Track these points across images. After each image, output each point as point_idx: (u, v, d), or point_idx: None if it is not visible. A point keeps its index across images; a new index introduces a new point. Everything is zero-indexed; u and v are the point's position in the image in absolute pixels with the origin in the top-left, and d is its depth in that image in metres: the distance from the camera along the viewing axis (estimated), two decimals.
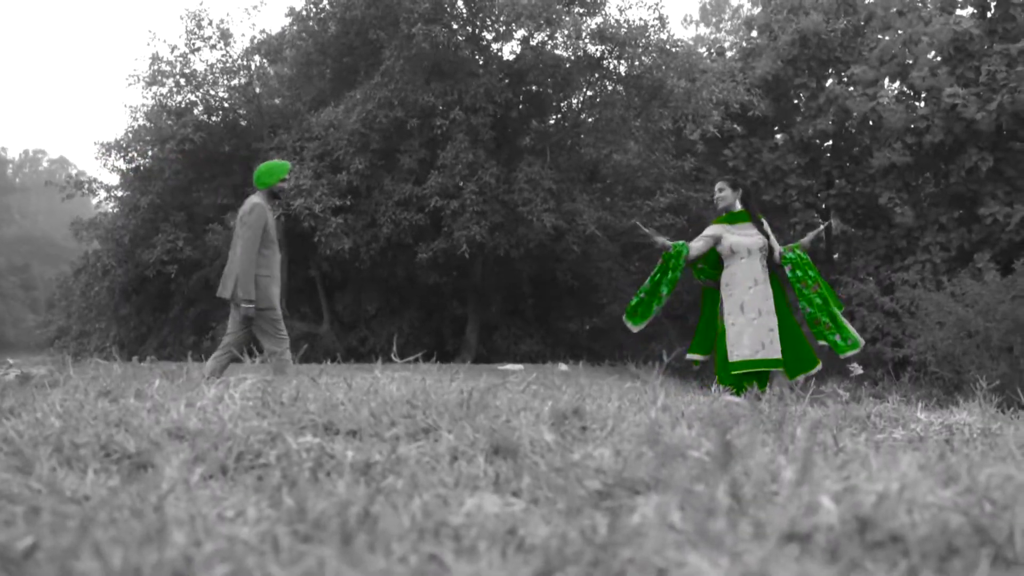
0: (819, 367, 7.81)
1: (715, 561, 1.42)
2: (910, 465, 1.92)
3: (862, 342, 7.93)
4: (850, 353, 7.82)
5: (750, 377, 7.47)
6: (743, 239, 7.82)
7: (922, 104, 26.45)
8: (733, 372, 7.56)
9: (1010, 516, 1.60)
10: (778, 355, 7.61)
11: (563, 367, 17.15)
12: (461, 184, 22.79)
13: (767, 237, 7.88)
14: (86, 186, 28.63)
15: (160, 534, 1.47)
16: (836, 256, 30.30)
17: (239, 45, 27.70)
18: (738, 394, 5.61)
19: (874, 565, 1.49)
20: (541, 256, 25.46)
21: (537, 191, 22.84)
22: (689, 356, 8.01)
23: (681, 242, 8.00)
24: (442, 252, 23.26)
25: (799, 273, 7.88)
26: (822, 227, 8.16)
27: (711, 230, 7.98)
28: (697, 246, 7.90)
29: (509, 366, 17.55)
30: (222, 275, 7.95)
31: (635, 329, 7.94)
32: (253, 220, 7.67)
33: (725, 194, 7.95)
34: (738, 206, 7.95)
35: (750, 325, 7.61)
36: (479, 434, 2.49)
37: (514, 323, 27.48)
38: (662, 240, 7.98)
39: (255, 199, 7.82)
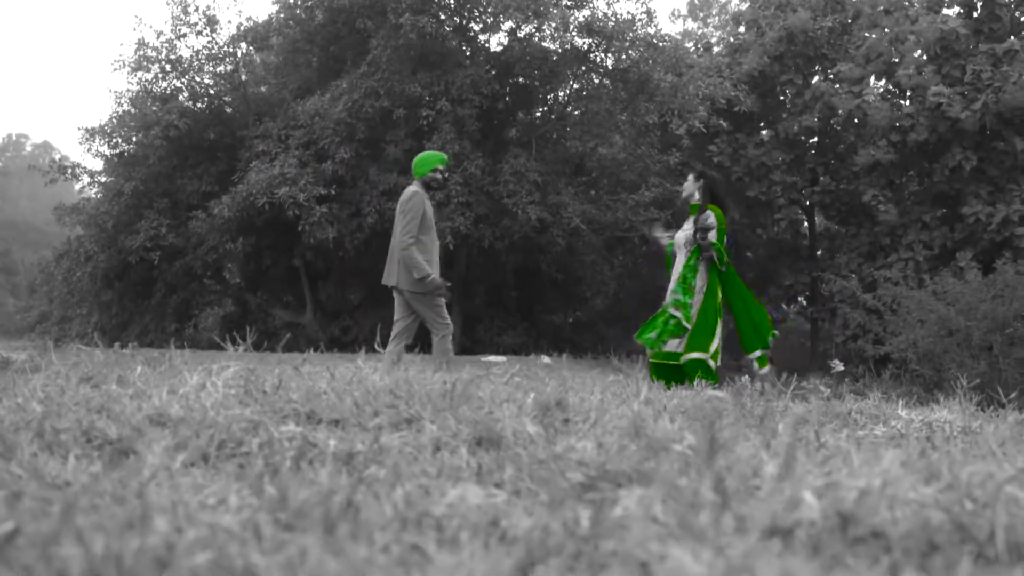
0: (773, 338, 7.85)
1: (697, 554, 1.42)
2: (892, 462, 1.93)
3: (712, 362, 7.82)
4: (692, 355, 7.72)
5: (665, 371, 7.54)
6: (680, 234, 7.91)
7: (907, 102, 26.53)
8: (651, 362, 7.68)
9: (991, 514, 1.60)
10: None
11: (546, 359, 17.17)
12: (446, 175, 22.76)
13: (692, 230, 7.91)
14: (69, 171, 28.45)
15: (142, 521, 1.47)
16: (819, 253, 30.40)
17: (225, 32, 27.54)
18: (668, 387, 5.63)
19: (855, 561, 1.49)
20: (525, 248, 25.43)
21: (522, 183, 22.82)
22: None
23: (671, 242, 8.09)
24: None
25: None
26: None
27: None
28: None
29: (492, 358, 17.53)
30: (386, 263, 8.21)
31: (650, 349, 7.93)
32: (412, 207, 7.88)
33: (686, 184, 8.04)
34: (696, 198, 7.99)
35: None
36: (462, 425, 2.49)
37: (498, 315, 27.45)
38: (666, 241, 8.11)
39: (413, 187, 8.06)
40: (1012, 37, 25.19)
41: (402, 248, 7.85)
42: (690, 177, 8.07)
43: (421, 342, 9.36)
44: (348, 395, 2.82)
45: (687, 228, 7.95)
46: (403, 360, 7.58)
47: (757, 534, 1.53)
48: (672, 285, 7.95)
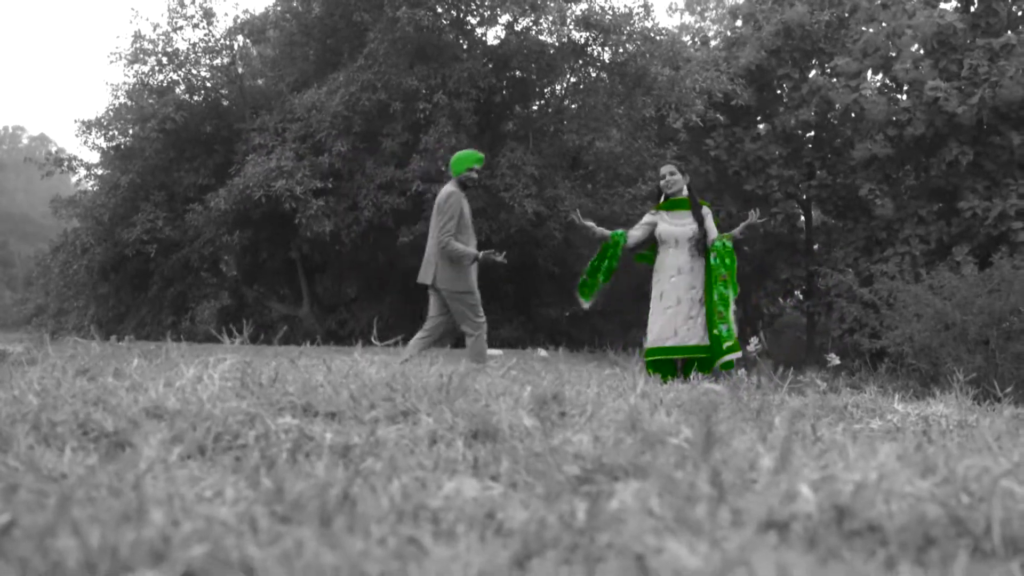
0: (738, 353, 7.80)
1: (694, 547, 1.42)
2: (888, 455, 1.93)
3: (740, 352, 7.87)
4: (731, 356, 7.72)
5: (661, 365, 7.56)
6: (673, 228, 7.88)
7: (904, 97, 26.55)
8: (647, 358, 7.67)
9: (987, 508, 1.61)
10: (698, 340, 7.64)
11: (543, 353, 17.15)
12: (443, 168, 22.74)
13: (700, 224, 7.89)
14: (66, 164, 28.43)
15: (138, 513, 1.47)
16: (816, 247, 30.42)
17: (222, 24, 27.69)
18: (665, 381, 5.64)
19: (852, 554, 1.49)
20: (522, 242, 25.41)
21: (519, 177, 22.82)
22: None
23: (620, 231, 8.08)
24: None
25: (717, 261, 7.86)
26: (755, 218, 8.08)
27: (648, 217, 8.06)
28: (635, 235, 8.03)
29: (489, 351, 17.52)
30: (423, 262, 8.32)
31: (585, 304, 8.11)
32: (450, 207, 7.96)
33: (677, 178, 7.99)
34: (684, 192, 7.99)
35: (663, 314, 7.72)
36: (458, 418, 2.49)
37: (494, 308, 27.39)
38: (601, 231, 8.09)
39: (450, 187, 8.12)
40: (1009, 31, 25.20)
41: (441, 246, 7.94)
42: (677, 172, 8.04)
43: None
44: (344, 388, 2.82)
45: (683, 223, 7.91)
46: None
47: (753, 527, 1.53)
48: (697, 285, 7.91)
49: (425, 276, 8.21)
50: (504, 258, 8.07)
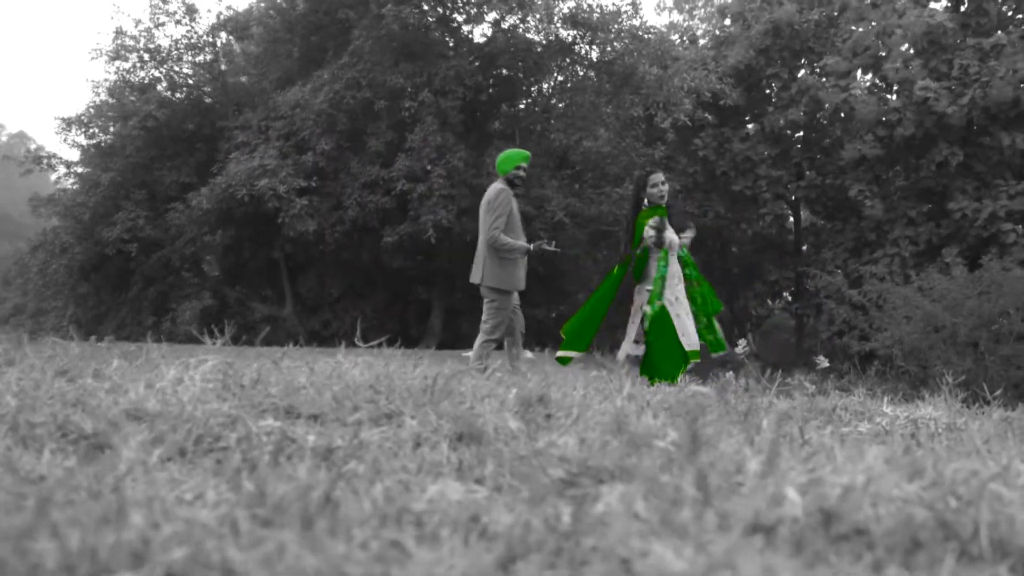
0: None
1: (679, 551, 1.42)
2: (876, 458, 1.94)
3: (728, 347, 7.96)
4: (720, 354, 7.85)
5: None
6: (672, 235, 7.89)
7: (894, 97, 26.65)
8: (693, 360, 7.64)
9: (975, 511, 1.61)
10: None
11: (529, 355, 17.15)
12: (429, 167, 22.77)
13: (680, 231, 7.94)
14: (45, 161, 28.38)
15: (118, 515, 1.46)
16: (805, 248, 30.48)
17: (205, 21, 27.67)
18: (652, 383, 5.67)
19: (838, 558, 1.50)
20: None
21: None
22: (563, 353, 7.97)
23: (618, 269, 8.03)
24: (408, 236, 23.21)
25: (687, 271, 7.90)
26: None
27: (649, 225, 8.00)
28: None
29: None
30: (473, 262, 8.29)
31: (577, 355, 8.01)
32: (499, 204, 7.99)
33: (667, 187, 8.01)
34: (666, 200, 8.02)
35: (688, 317, 7.70)
36: (443, 420, 2.49)
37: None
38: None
39: (499, 185, 8.16)
40: (999, 31, 25.30)
41: (490, 241, 7.95)
42: (665, 179, 8.06)
43: (401, 335, 9.40)
44: (327, 390, 2.82)
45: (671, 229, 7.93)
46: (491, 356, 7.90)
47: (739, 531, 1.53)
48: (678, 290, 7.94)
49: (475, 275, 8.23)
50: (556, 247, 8.12)
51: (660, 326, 7.66)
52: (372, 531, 1.53)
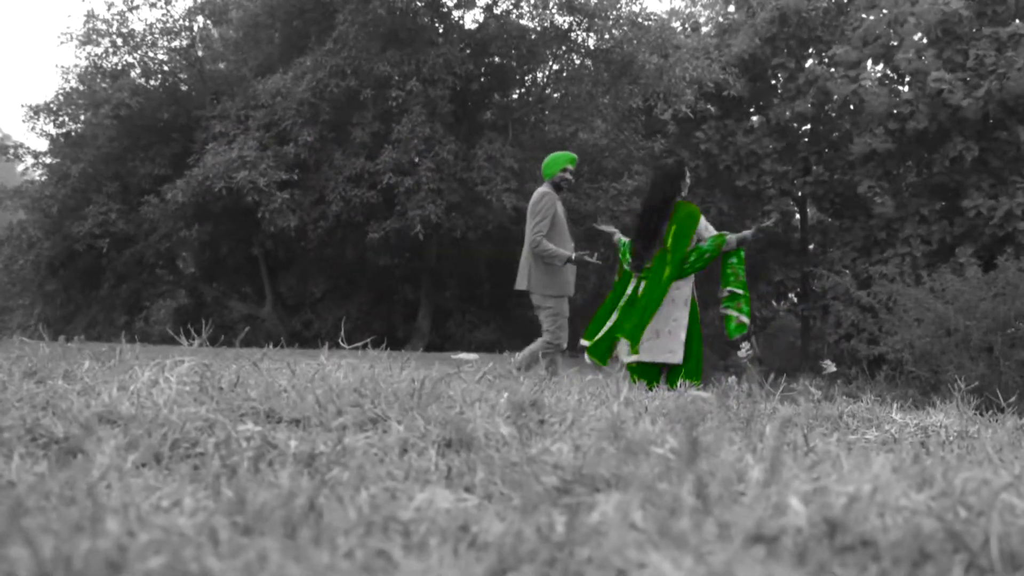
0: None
1: (678, 562, 1.43)
2: (883, 467, 1.95)
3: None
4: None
5: (647, 371, 7.66)
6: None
7: (906, 88, 26.67)
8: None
9: (985, 522, 1.63)
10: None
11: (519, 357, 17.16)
12: (417, 160, 22.75)
13: None
14: (11, 151, 28.31)
15: (93, 523, 1.47)
16: (811, 247, 30.51)
17: (181, 4, 27.71)
18: (651, 388, 5.71)
19: (843, 570, 1.51)
20: (500, 239, 25.42)
21: (498, 170, 22.83)
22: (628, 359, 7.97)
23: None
24: (395, 232, 23.19)
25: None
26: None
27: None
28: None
29: (463, 355, 17.55)
30: (519, 268, 8.49)
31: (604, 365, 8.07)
32: (543, 208, 8.18)
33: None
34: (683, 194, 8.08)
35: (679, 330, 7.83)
36: (431, 425, 2.50)
37: (469, 309, 27.47)
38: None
39: (544, 188, 8.38)
40: (1017, 20, 25.35)
41: (533, 246, 8.14)
42: None
43: (387, 336, 9.41)
44: (310, 393, 2.82)
45: None
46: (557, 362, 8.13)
47: (740, 541, 1.55)
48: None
49: (521, 282, 8.41)
50: (599, 259, 8.29)
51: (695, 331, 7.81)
52: (357, 540, 1.54)
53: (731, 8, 30.87)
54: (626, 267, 7.98)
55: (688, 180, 8.00)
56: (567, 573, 1.45)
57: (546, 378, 4.25)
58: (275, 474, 1.99)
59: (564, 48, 25.59)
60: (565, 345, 8.36)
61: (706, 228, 7.98)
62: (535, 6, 24.49)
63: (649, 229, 7.83)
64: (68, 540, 1.38)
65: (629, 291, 7.92)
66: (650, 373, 7.66)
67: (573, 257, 8.16)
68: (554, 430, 2.65)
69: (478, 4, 25.62)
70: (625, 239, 8.08)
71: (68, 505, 1.64)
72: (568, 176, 8.45)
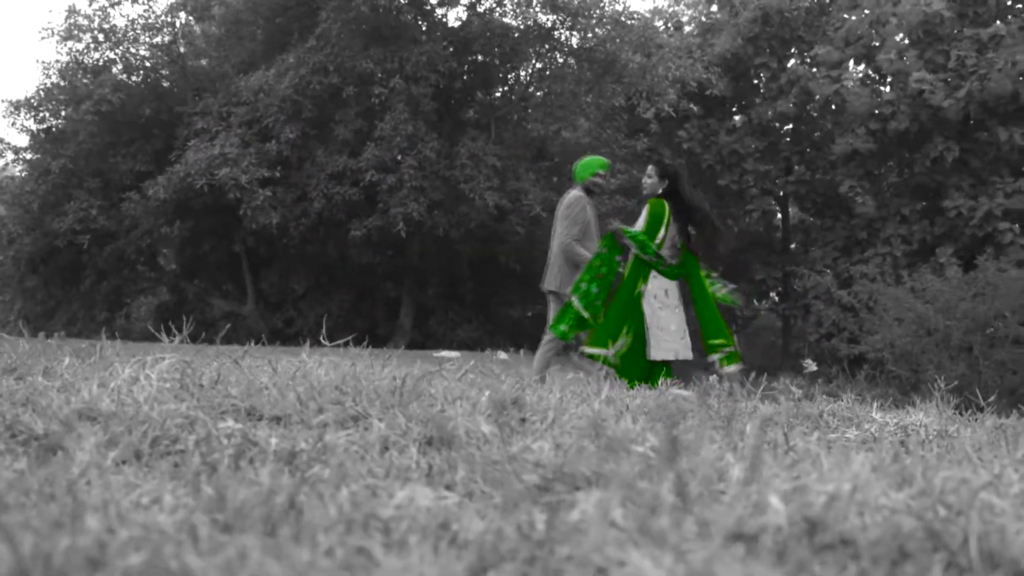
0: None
1: (658, 560, 1.43)
2: (863, 466, 1.96)
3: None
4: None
5: (633, 370, 7.66)
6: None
7: (888, 89, 26.72)
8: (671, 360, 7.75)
9: (964, 521, 1.63)
10: None
11: (502, 355, 17.14)
12: (399, 158, 22.71)
13: None
14: None
15: (72, 520, 1.47)
16: (793, 246, 30.57)
17: (163, 0, 27.38)
18: (632, 386, 5.72)
19: (822, 568, 1.52)
20: (483, 237, 25.43)
21: (480, 168, 22.81)
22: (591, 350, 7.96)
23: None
24: (377, 230, 23.14)
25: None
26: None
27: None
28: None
29: (445, 353, 17.52)
30: (546, 268, 8.59)
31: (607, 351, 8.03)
32: (574, 213, 8.32)
33: (653, 180, 8.04)
34: (658, 192, 8.04)
35: (675, 328, 7.84)
36: (412, 423, 2.50)
37: (451, 307, 27.43)
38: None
39: (575, 192, 8.52)
40: (998, 21, 25.44)
41: (563, 248, 8.27)
42: (650, 169, 8.10)
43: (368, 334, 9.42)
44: (291, 390, 2.82)
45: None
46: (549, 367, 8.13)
47: (720, 539, 1.55)
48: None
49: (550, 282, 8.48)
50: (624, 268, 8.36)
51: (635, 329, 7.74)
52: (338, 538, 1.54)
53: (714, 8, 30.88)
54: (653, 261, 7.86)
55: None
56: (547, 571, 1.45)
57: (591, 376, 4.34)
58: (255, 471, 1.98)
59: (547, 46, 25.58)
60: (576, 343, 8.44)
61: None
62: (518, 4, 24.48)
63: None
64: (48, 537, 1.37)
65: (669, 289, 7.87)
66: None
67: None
68: (535, 428, 2.65)
69: (461, 2, 25.61)
70: (631, 229, 7.97)
71: (48, 502, 1.64)
72: (599, 181, 8.58)
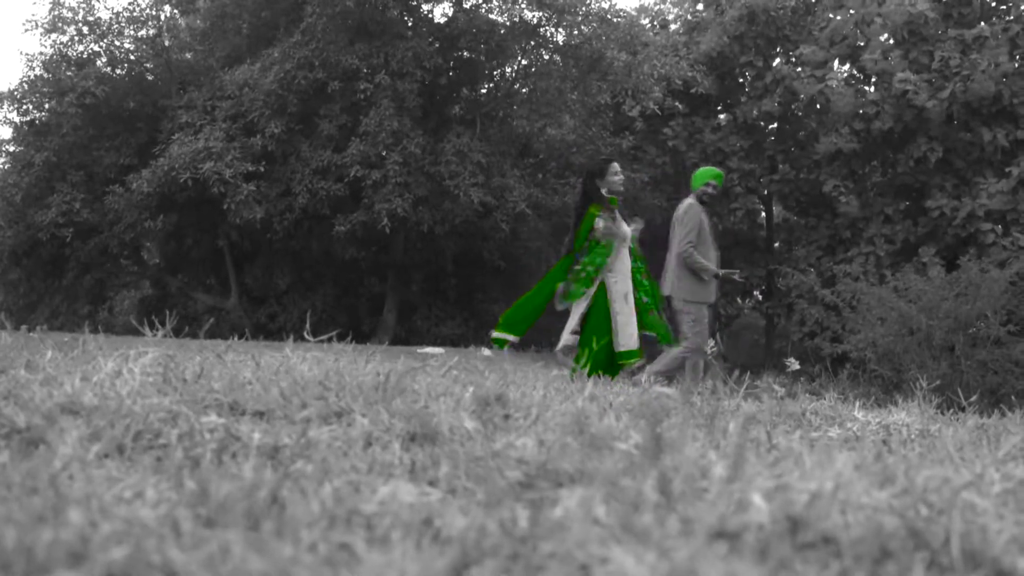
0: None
1: (640, 557, 1.44)
2: (845, 464, 1.96)
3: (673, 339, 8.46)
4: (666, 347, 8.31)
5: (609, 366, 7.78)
6: (625, 227, 8.10)
7: (872, 89, 26.77)
8: (621, 362, 7.86)
9: (946, 520, 1.64)
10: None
11: (486, 352, 17.14)
12: (384, 153, 22.66)
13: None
14: None
15: (55, 513, 1.46)
16: (777, 245, 30.61)
17: None
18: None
19: (804, 567, 1.52)
20: (467, 233, 25.41)
21: (465, 164, 22.78)
22: (498, 335, 8.19)
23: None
24: (361, 225, 23.10)
25: (638, 263, 8.20)
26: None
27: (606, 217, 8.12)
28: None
29: (429, 349, 17.53)
30: (664, 275, 8.93)
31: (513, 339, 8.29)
32: (689, 219, 8.80)
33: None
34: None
35: (632, 315, 7.95)
36: (395, 419, 2.50)
37: (435, 304, 27.42)
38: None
39: (689, 200, 9.02)
40: (982, 23, 25.50)
41: (685, 257, 8.64)
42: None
43: (352, 330, 9.42)
44: (274, 385, 2.82)
45: (623, 221, 8.14)
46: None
47: (703, 537, 1.55)
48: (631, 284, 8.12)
49: (666, 288, 8.84)
50: (742, 276, 8.66)
51: (597, 321, 7.86)
52: (320, 533, 1.54)
53: (700, 6, 30.90)
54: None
55: (619, 177, 8.21)
56: (530, 568, 1.45)
57: (700, 385, 4.46)
58: (238, 466, 1.98)
59: (533, 43, 25.56)
60: (708, 350, 8.64)
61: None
62: (504, 1, 24.46)
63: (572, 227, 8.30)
64: (30, 531, 1.37)
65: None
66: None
67: (720, 273, 8.79)
68: (519, 425, 2.65)
69: None
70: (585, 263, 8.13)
71: (30, 496, 1.63)
72: (711, 191, 9.04)
